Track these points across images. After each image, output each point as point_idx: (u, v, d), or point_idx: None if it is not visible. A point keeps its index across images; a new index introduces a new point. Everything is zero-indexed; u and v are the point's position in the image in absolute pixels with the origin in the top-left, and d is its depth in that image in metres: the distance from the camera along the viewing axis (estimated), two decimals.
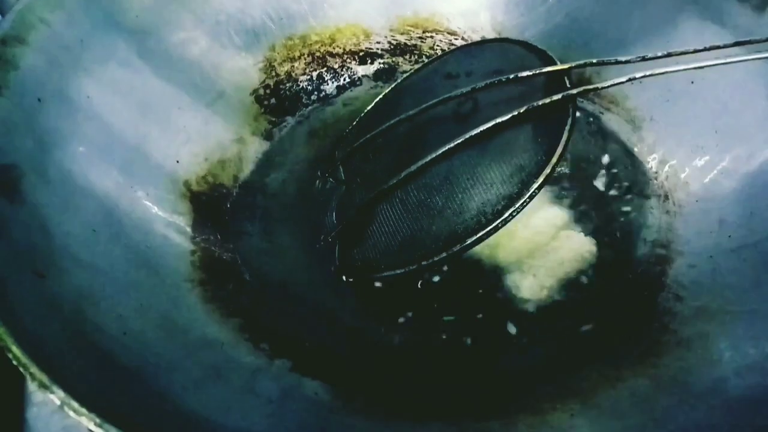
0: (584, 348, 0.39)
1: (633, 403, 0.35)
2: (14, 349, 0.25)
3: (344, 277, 0.42)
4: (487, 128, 0.37)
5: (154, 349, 0.34)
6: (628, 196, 0.46)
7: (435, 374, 0.39)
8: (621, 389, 0.35)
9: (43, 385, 0.25)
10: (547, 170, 0.36)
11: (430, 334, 0.40)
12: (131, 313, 0.35)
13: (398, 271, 0.38)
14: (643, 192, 0.46)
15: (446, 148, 0.38)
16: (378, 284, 0.43)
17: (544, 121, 0.37)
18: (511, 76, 0.39)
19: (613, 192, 0.46)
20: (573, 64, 0.38)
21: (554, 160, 0.36)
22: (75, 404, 0.24)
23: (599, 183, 0.47)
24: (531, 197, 0.36)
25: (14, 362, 0.25)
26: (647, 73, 0.36)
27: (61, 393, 0.25)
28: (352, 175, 0.46)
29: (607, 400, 0.35)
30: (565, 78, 0.38)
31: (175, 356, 0.34)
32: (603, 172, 0.48)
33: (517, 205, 0.35)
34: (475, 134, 0.37)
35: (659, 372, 0.35)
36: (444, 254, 0.37)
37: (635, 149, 0.48)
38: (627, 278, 0.42)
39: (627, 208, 0.45)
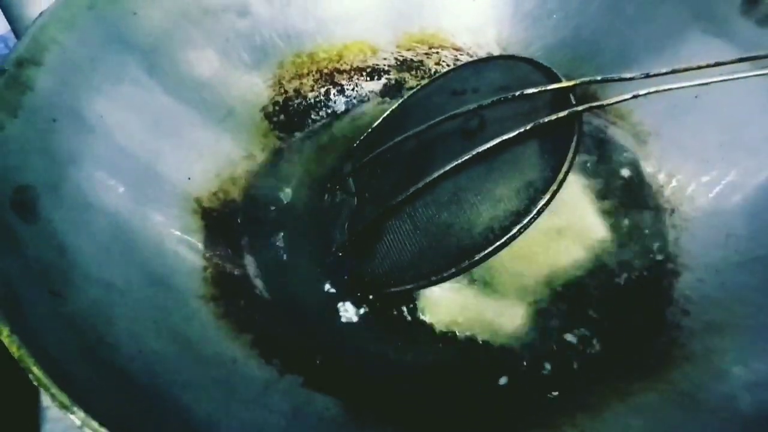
0: (593, 363, 0.39)
1: (642, 417, 0.35)
2: (35, 370, 0.26)
3: (355, 293, 0.43)
4: (494, 145, 0.38)
5: (169, 367, 0.34)
6: (634, 210, 0.46)
7: (445, 390, 0.39)
8: (630, 404, 0.36)
9: (63, 406, 0.25)
10: (554, 186, 0.36)
11: (441, 350, 0.41)
12: (146, 331, 0.35)
13: (408, 287, 0.39)
14: (649, 205, 0.46)
15: (453, 164, 0.39)
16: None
17: (550, 138, 0.38)
18: (517, 93, 0.40)
19: (618, 205, 0.46)
20: (578, 82, 0.39)
21: (561, 176, 0.36)
22: (95, 424, 0.25)
23: (604, 196, 0.47)
24: (539, 213, 0.36)
25: (35, 383, 0.26)
26: (651, 90, 0.36)
27: (81, 414, 0.25)
28: (362, 189, 0.46)
29: (617, 415, 0.35)
30: (570, 95, 0.39)
31: (190, 373, 0.35)
32: (608, 185, 0.48)
33: (525, 221, 0.36)
34: (482, 150, 0.38)
35: (668, 387, 0.36)
36: (453, 270, 0.37)
37: (641, 163, 0.48)
38: (634, 293, 0.42)
39: (633, 222, 0.45)
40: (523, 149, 0.38)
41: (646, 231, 0.45)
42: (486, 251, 0.36)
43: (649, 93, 0.37)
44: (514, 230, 0.36)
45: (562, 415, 0.36)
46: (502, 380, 0.39)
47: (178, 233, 0.43)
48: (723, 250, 0.42)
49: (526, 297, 0.43)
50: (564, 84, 0.39)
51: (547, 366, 0.39)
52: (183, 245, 0.42)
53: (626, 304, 0.42)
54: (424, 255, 0.39)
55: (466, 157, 0.38)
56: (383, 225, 0.41)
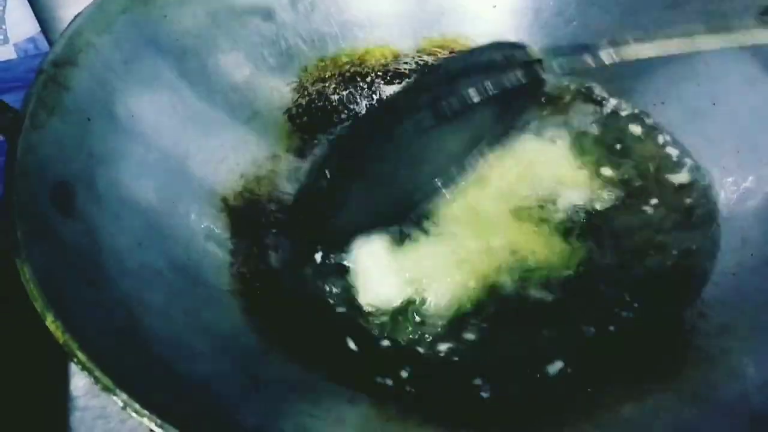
0: (611, 363, 0.40)
1: (658, 416, 0.36)
2: (80, 354, 0.27)
3: (318, 247, 0.46)
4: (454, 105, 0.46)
5: (202, 357, 0.35)
6: (651, 212, 0.47)
7: (463, 388, 0.40)
8: (647, 401, 0.36)
9: (107, 389, 0.26)
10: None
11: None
12: (177, 322, 0.37)
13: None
14: (666, 208, 0.47)
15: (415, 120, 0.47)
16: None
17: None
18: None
19: (634, 207, 0.47)
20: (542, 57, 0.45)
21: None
22: (137, 405, 0.26)
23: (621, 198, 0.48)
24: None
25: (79, 367, 0.27)
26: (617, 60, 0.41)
27: (124, 395, 0.26)
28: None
29: (633, 413, 0.36)
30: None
31: (219, 364, 0.36)
32: (624, 188, 0.49)
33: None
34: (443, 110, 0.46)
35: (683, 386, 0.36)
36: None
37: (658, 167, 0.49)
38: (652, 294, 0.43)
39: (650, 225, 0.46)
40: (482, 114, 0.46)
41: (663, 234, 0.46)
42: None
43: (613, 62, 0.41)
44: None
45: (581, 413, 0.37)
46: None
47: (205, 230, 0.44)
48: (739, 254, 0.42)
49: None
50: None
51: (566, 365, 0.40)
52: (211, 241, 0.44)
53: (645, 305, 0.42)
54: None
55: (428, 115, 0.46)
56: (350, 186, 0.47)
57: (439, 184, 0.45)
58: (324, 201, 0.48)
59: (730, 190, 0.46)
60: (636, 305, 0.42)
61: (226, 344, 0.38)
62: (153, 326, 0.35)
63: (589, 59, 0.43)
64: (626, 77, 0.51)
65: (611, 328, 0.41)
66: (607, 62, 0.42)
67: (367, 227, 0.45)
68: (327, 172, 0.49)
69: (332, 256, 0.46)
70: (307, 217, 0.48)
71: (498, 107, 0.45)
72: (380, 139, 0.49)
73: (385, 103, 0.54)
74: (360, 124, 0.54)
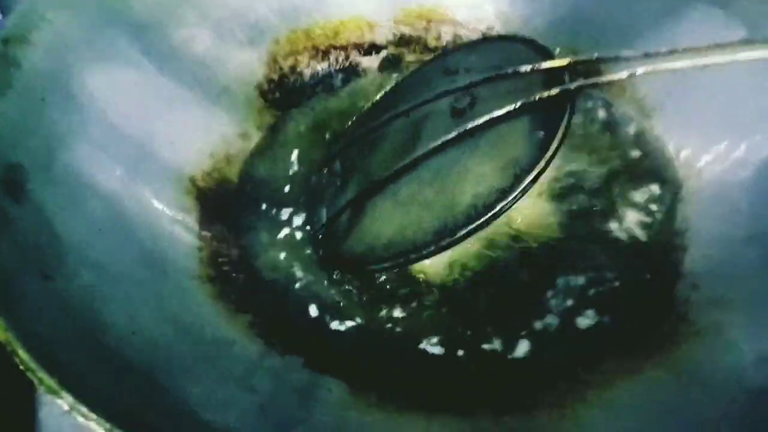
0: (601, 340, 0.38)
1: (650, 394, 0.34)
2: (21, 353, 0.25)
3: (332, 271, 0.42)
4: (481, 123, 0.37)
5: (163, 349, 0.33)
6: (640, 184, 0.45)
7: (447, 367, 0.38)
8: (638, 381, 0.35)
9: (51, 390, 0.24)
10: (541, 164, 0.35)
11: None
12: (141, 313, 0.35)
13: (385, 265, 0.38)
14: (656, 181, 0.45)
15: (439, 142, 0.38)
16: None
17: (540, 116, 0.37)
18: (510, 71, 0.39)
19: (623, 180, 0.46)
20: (571, 60, 0.38)
21: (549, 154, 0.36)
22: (84, 408, 0.24)
23: (606, 171, 0.46)
24: (524, 191, 0.35)
25: (21, 367, 0.25)
26: (649, 68, 0.35)
27: (69, 398, 0.24)
28: (348, 170, 0.45)
29: (625, 392, 0.35)
30: (565, 73, 0.38)
31: (185, 355, 0.34)
32: (612, 160, 0.47)
33: (509, 199, 0.35)
34: (469, 128, 0.38)
35: (676, 363, 0.35)
36: (432, 248, 0.36)
37: (645, 138, 0.47)
38: (643, 267, 0.41)
39: (639, 196, 0.45)
40: (512, 128, 0.38)
41: (653, 205, 0.44)
42: (468, 228, 0.36)
43: (646, 72, 0.36)
44: (498, 207, 0.35)
45: (572, 393, 0.35)
46: (520, 351, 0.38)
47: (172, 214, 0.42)
48: (729, 225, 0.41)
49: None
50: (557, 63, 0.38)
51: (557, 343, 0.38)
52: (178, 225, 0.42)
53: (636, 279, 0.41)
54: (404, 233, 0.38)
55: (452, 135, 0.38)
56: (364, 203, 0.40)
57: (474, 213, 0.36)
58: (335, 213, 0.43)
59: (721, 159, 0.44)
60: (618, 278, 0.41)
61: (193, 334, 0.36)
62: (115, 321, 0.33)
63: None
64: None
65: (597, 303, 0.40)
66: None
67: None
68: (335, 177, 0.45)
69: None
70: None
71: (527, 123, 0.37)
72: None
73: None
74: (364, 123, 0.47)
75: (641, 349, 0.37)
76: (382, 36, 0.54)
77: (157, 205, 0.41)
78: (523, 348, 0.38)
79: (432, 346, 0.39)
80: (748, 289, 0.37)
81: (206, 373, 0.34)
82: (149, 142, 0.44)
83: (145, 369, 0.31)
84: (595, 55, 0.38)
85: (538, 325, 0.39)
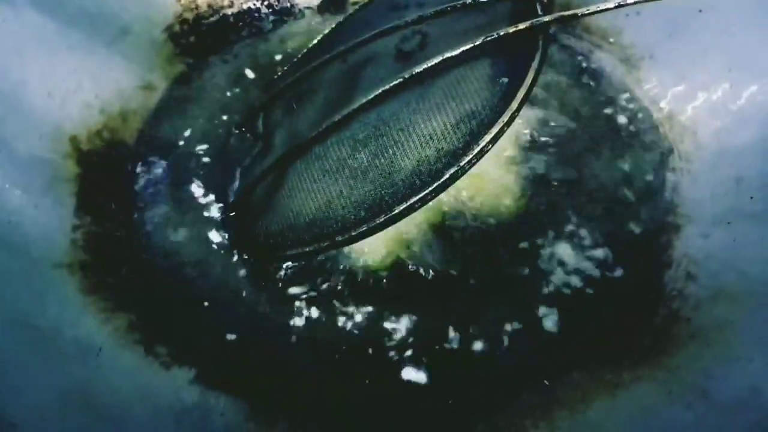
0: (574, 346, 0.31)
1: (637, 416, 0.27)
2: None
3: (243, 256, 0.34)
4: (432, 66, 0.30)
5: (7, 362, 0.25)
6: (623, 150, 0.38)
7: (387, 382, 0.30)
8: (621, 398, 0.28)
9: None
10: (504, 119, 0.27)
11: (377, 327, 0.32)
12: None
13: (307, 249, 0.30)
14: (642, 144, 0.38)
15: (379, 91, 0.30)
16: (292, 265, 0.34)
17: (505, 60, 0.30)
18: (468, 1, 0.31)
19: (604, 145, 0.38)
20: None
21: (513, 106, 0.27)
22: None
23: (587, 134, 0.38)
24: (481, 154, 0.27)
25: None
26: None
27: None
28: (271, 130, 0.37)
29: (604, 413, 0.28)
30: (537, 5, 0.30)
31: (32, 369, 0.26)
32: (592, 120, 0.39)
33: (462, 163, 0.27)
34: (416, 73, 0.30)
35: (670, 375, 0.28)
36: (365, 227, 0.28)
37: (631, 93, 0.40)
38: (625, 254, 0.34)
39: (622, 165, 0.37)
40: (469, 73, 0.30)
41: (638, 175, 0.36)
42: (408, 202, 0.28)
43: (637, 2, 0.28)
44: (447, 175, 0.27)
45: (537, 413, 0.28)
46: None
47: (41, 179, 0.33)
48: (733, 197, 0.34)
49: None
50: None
51: (521, 351, 0.31)
52: (47, 198, 0.33)
53: (614, 269, 0.33)
54: (331, 208, 0.30)
55: (395, 82, 0.30)
56: (286, 171, 0.32)
57: (419, 182, 0.28)
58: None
59: (720, 115, 0.36)
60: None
61: (47, 340, 0.27)
62: None
63: None
64: None
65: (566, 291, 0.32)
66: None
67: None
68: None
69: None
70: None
71: (488, 67, 0.30)
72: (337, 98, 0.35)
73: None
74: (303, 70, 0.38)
75: (623, 356, 0.29)
76: None
77: (19, 172, 0.32)
78: (478, 347, 0.31)
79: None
80: (758, 279, 0.30)
81: (58, 390, 0.25)
82: (18, 93, 0.35)
83: None
84: None
85: (495, 327, 0.31)
